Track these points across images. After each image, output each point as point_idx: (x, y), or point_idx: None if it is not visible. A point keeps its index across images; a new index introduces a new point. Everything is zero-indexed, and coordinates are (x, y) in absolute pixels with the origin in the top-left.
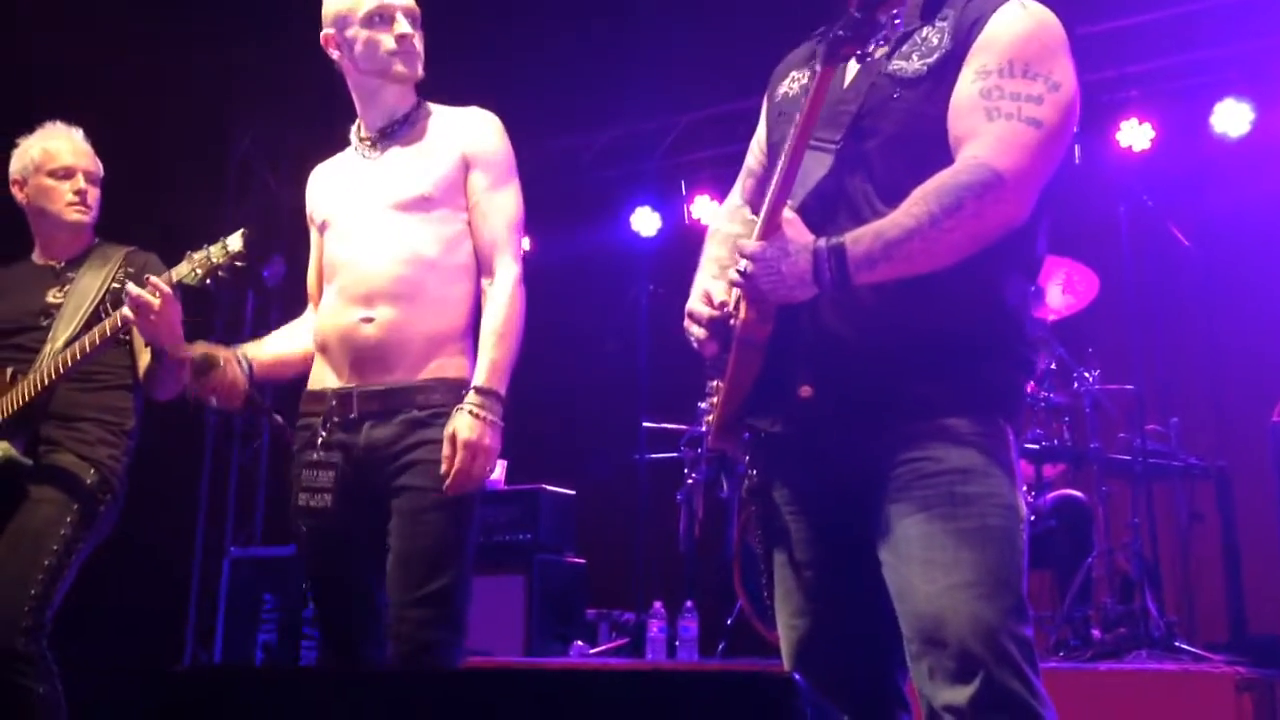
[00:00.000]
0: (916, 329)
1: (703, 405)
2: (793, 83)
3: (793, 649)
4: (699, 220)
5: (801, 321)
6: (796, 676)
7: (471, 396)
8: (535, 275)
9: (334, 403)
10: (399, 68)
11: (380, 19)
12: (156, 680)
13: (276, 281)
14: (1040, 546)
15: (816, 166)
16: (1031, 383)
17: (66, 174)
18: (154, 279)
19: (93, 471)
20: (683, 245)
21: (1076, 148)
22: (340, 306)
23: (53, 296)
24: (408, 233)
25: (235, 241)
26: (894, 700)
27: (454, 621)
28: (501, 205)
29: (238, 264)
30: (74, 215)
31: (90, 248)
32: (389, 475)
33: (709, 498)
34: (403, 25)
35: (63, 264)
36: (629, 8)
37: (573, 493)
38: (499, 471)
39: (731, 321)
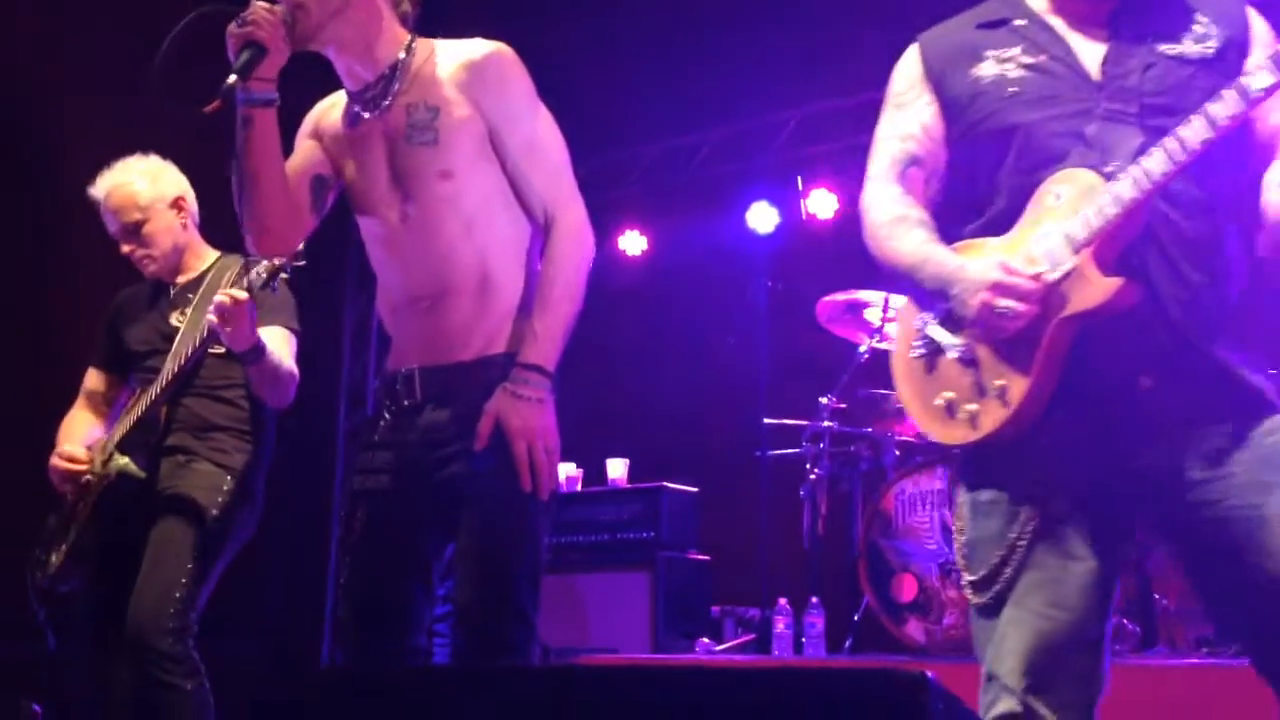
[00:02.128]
0: (1242, 314)
1: (824, 401)
2: (1003, 64)
3: (1040, 640)
4: (815, 215)
5: (1140, 308)
6: (929, 674)
7: (514, 374)
8: (653, 273)
9: (397, 385)
10: None
11: None
12: (310, 680)
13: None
14: None
15: (1125, 137)
16: None
17: (116, 238)
18: (230, 290)
19: (230, 479)
20: (799, 241)
21: None
22: (391, 291)
23: (175, 319)
24: (437, 214)
25: None
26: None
27: (521, 615)
28: (539, 154)
29: (298, 263)
30: (144, 268)
31: (210, 265)
32: (450, 459)
33: (832, 493)
34: None
35: (181, 286)
36: (743, 1)
37: (695, 490)
38: (621, 471)
39: (1062, 289)
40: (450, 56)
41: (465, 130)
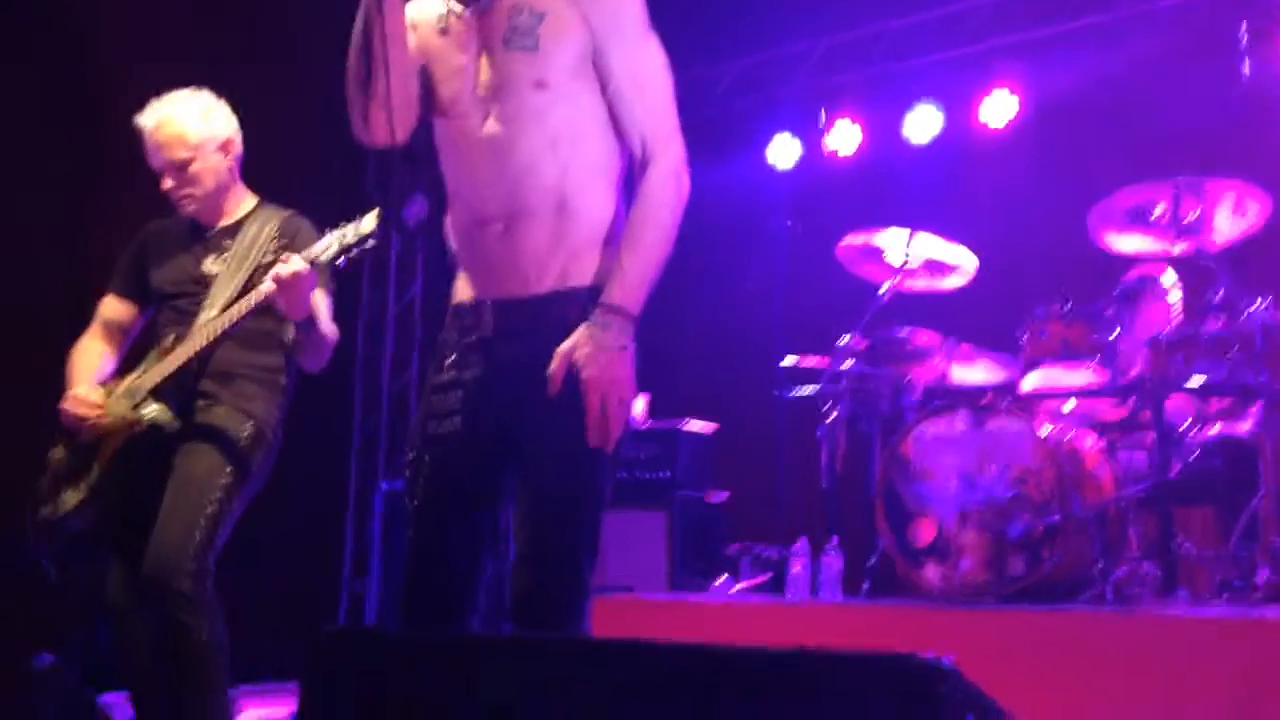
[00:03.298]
0: None
1: (844, 341)
2: None
3: None
4: (836, 152)
5: None
6: (948, 662)
7: (595, 316)
8: None
9: (466, 318)
10: None
11: None
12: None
13: (419, 221)
14: (1203, 483)
15: None
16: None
17: (158, 171)
18: (290, 263)
19: (250, 424)
20: (821, 177)
21: (1246, 60)
22: (463, 211)
23: (210, 264)
24: (524, 127)
25: (369, 222)
26: None
27: (580, 583)
28: (645, 82)
29: (369, 244)
30: (182, 207)
31: (249, 213)
32: (522, 403)
33: (851, 434)
34: None
35: (218, 230)
36: None
37: (713, 428)
38: (641, 407)
39: None
40: None
41: (569, 42)
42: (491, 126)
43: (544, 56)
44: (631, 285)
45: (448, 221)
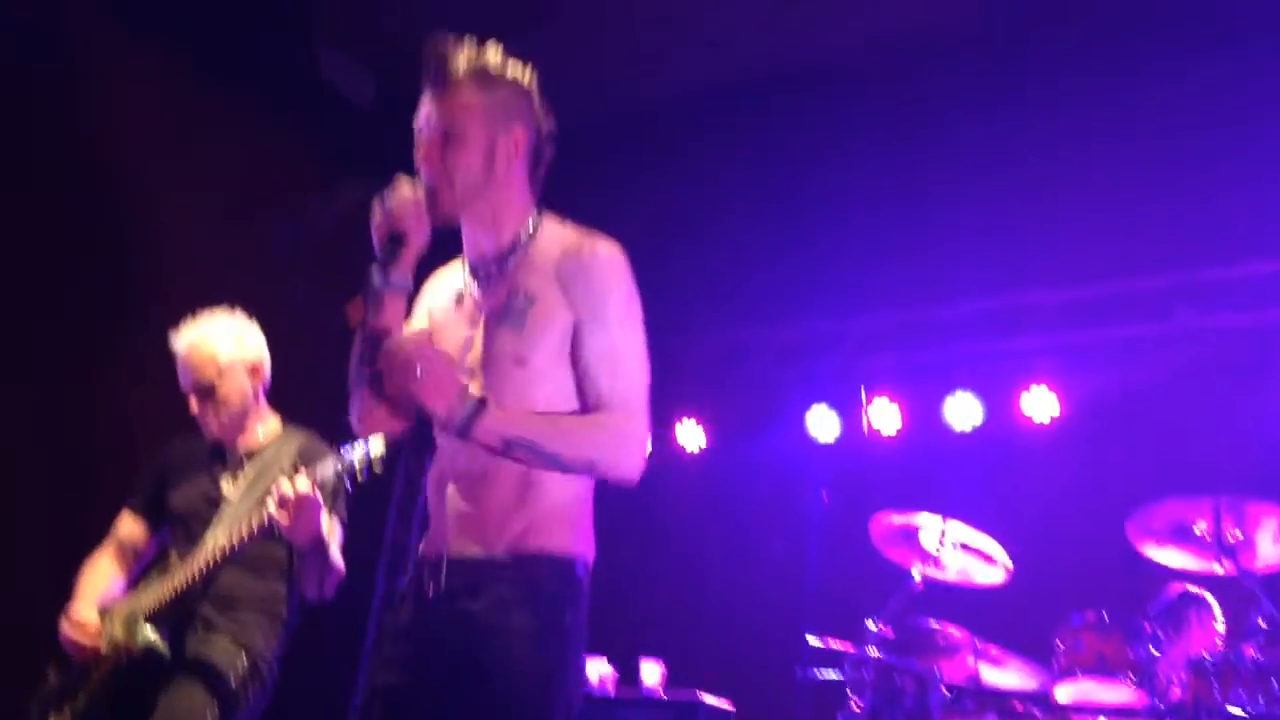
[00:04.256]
0: None
1: (872, 626)
2: None
3: None
4: (878, 430)
5: None
6: None
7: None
8: (708, 470)
9: (423, 570)
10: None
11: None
12: None
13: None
14: None
15: None
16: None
17: (186, 391)
18: (295, 484)
19: (244, 657)
20: (859, 452)
21: None
22: (436, 469)
23: (225, 485)
24: (500, 398)
25: (377, 445)
26: None
27: None
28: (616, 363)
29: (377, 469)
30: (207, 428)
31: (270, 435)
32: (467, 660)
33: None
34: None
35: (239, 451)
36: (815, 205)
37: (731, 708)
38: (656, 678)
39: None
40: (564, 245)
41: (553, 325)
42: (474, 391)
43: (527, 337)
44: (513, 413)
45: (429, 476)
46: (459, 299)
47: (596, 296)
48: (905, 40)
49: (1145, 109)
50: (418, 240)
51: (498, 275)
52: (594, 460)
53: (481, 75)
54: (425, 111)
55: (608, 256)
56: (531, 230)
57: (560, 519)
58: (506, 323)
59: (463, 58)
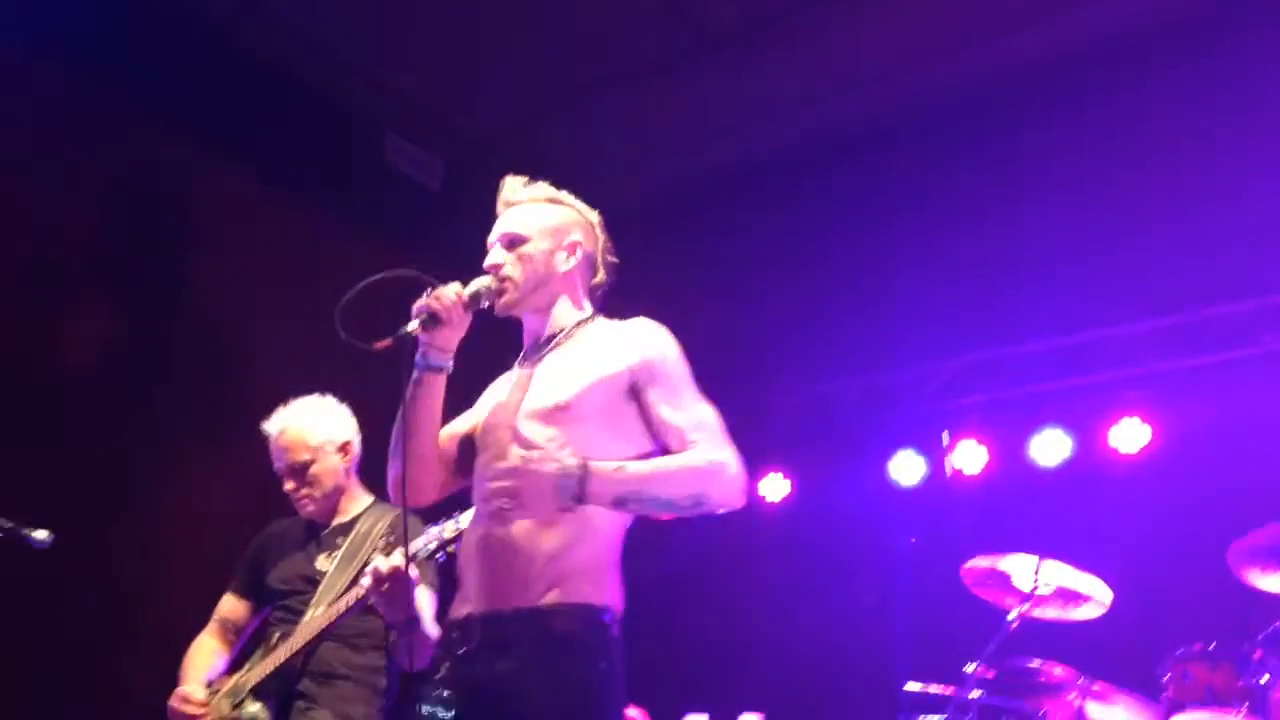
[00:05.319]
0: None
1: (970, 669)
2: None
3: None
4: (961, 471)
5: None
6: None
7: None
8: (794, 519)
9: (455, 632)
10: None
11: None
12: None
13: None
14: None
15: None
16: None
17: (280, 474)
18: (387, 560)
19: None
20: (945, 495)
21: None
22: (470, 529)
23: (321, 563)
24: (535, 444)
25: (467, 518)
26: None
27: None
28: (687, 412)
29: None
30: (302, 508)
31: (362, 511)
32: (503, 717)
33: None
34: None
35: (332, 528)
36: (889, 251)
37: None
38: None
39: None
40: (613, 326)
41: (604, 381)
42: (514, 437)
43: (573, 387)
44: (613, 467)
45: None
46: (515, 378)
47: (655, 356)
48: (978, 73)
49: (1221, 130)
50: (456, 328)
51: (548, 349)
52: (699, 494)
53: (551, 197)
54: (497, 225)
55: (661, 333)
56: (584, 319)
57: (586, 571)
58: (554, 374)
59: (535, 186)
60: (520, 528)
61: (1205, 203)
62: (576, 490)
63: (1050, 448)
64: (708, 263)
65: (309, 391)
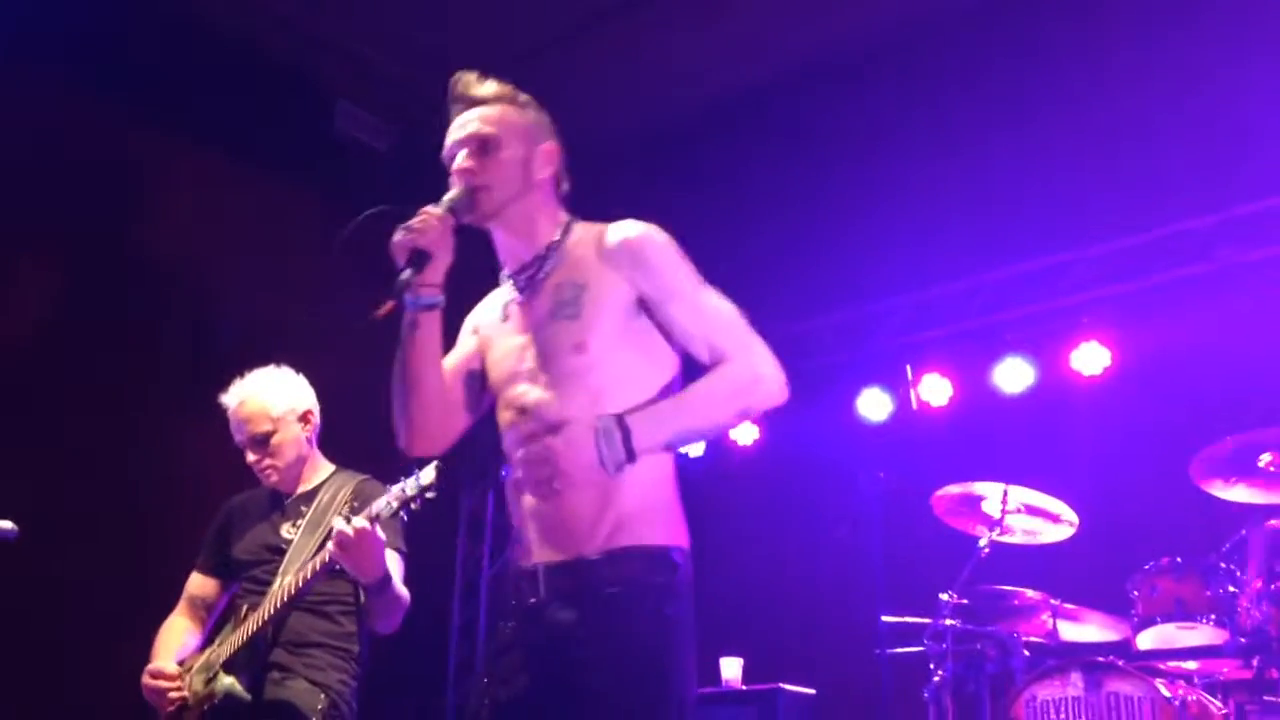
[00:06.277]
0: None
1: (945, 597)
2: None
3: None
4: (927, 403)
5: None
6: None
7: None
8: (764, 463)
9: (522, 583)
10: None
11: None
12: None
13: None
14: None
15: None
16: None
17: (241, 446)
18: (352, 520)
19: (323, 697)
20: (912, 430)
21: None
22: (519, 477)
23: (286, 531)
24: (565, 389)
25: (428, 474)
26: None
27: None
28: (708, 316)
29: (429, 495)
30: (265, 478)
31: (325, 479)
32: (582, 665)
33: (958, 695)
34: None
35: (295, 497)
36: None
37: (812, 692)
38: (736, 670)
39: None
40: (598, 235)
41: (610, 304)
42: (538, 393)
43: (585, 323)
44: (649, 413)
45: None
46: (505, 313)
47: (657, 266)
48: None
49: (1174, 51)
50: (444, 256)
51: (539, 277)
52: (744, 409)
53: (514, 97)
54: (459, 126)
55: (647, 230)
56: (562, 233)
57: (647, 510)
58: (559, 316)
59: (494, 83)
60: (565, 485)
61: (1146, 124)
62: (623, 458)
63: (1013, 375)
64: (670, 208)
65: (265, 363)
